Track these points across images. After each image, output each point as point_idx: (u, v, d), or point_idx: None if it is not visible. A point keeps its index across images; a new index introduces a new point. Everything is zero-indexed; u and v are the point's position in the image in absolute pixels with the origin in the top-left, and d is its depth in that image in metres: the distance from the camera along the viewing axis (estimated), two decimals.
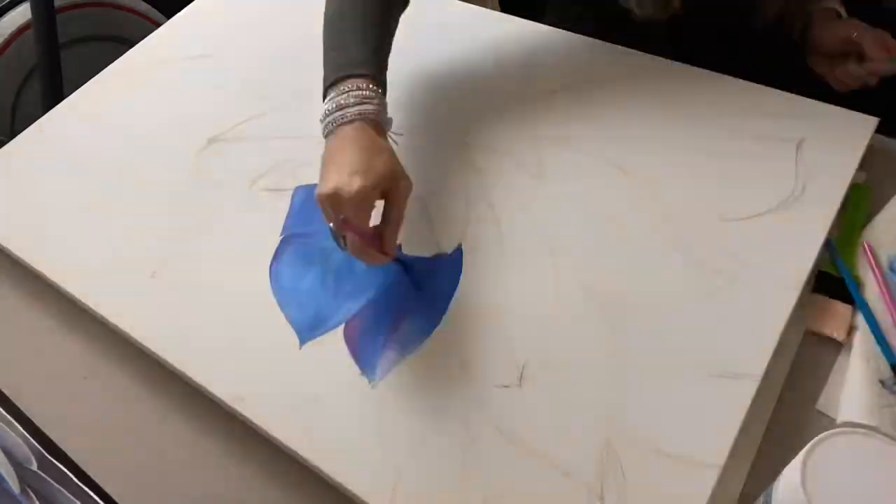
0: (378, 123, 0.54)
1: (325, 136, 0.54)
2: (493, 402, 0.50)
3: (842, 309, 0.52)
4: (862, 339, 0.50)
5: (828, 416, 0.48)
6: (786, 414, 0.49)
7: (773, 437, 0.48)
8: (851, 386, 0.48)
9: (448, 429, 0.49)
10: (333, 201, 0.49)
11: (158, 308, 0.59)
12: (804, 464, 0.34)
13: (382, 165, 0.51)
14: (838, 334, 0.51)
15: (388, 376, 0.52)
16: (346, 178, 0.49)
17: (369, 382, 0.52)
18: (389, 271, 0.58)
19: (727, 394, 0.47)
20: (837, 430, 0.35)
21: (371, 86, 0.54)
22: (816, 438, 0.35)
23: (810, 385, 0.50)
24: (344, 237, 0.51)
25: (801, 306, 0.52)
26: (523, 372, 0.51)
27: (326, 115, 0.53)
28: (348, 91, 0.53)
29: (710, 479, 0.44)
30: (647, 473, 0.45)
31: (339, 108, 0.53)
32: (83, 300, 0.61)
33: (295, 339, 0.55)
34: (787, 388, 0.50)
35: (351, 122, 0.52)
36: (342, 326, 0.56)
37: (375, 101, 0.54)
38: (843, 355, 0.50)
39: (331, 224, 0.52)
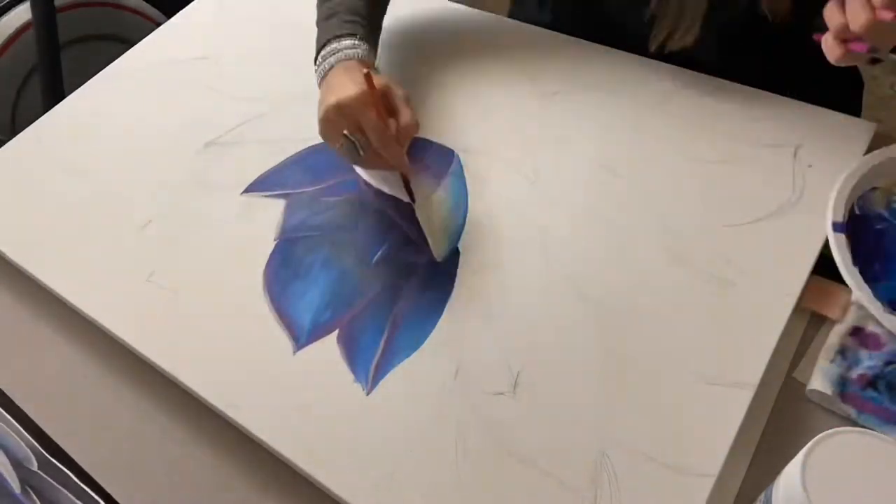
0: (365, 62, 0.60)
1: (320, 85, 0.60)
2: (487, 409, 0.50)
3: (840, 291, 0.52)
4: (849, 316, 0.51)
5: (799, 382, 0.50)
6: (785, 411, 0.49)
7: (772, 435, 0.48)
8: (823, 358, 0.50)
9: (441, 436, 0.49)
10: (339, 109, 0.55)
11: (153, 313, 0.59)
12: (804, 464, 0.35)
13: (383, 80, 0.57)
14: (836, 315, 0.52)
15: (382, 383, 0.52)
16: (344, 91, 0.55)
17: (363, 389, 0.52)
18: (383, 278, 0.58)
19: (723, 402, 0.47)
20: (838, 430, 0.35)
21: (357, 40, 0.61)
22: (816, 438, 0.35)
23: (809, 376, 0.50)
24: (358, 143, 0.55)
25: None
26: (518, 379, 0.51)
27: (319, 63, 0.61)
28: (339, 48, 0.60)
29: (704, 489, 0.44)
30: (641, 482, 0.45)
31: (332, 53, 0.60)
32: (77, 305, 0.61)
33: (289, 346, 0.55)
34: (785, 385, 0.50)
35: (339, 62, 0.59)
36: (336, 333, 0.56)
37: (363, 47, 0.61)
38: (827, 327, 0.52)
39: (341, 138, 0.55)
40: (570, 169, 0.62)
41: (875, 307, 0.49)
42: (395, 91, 0.57)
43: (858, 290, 0.49)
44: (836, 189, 0.54)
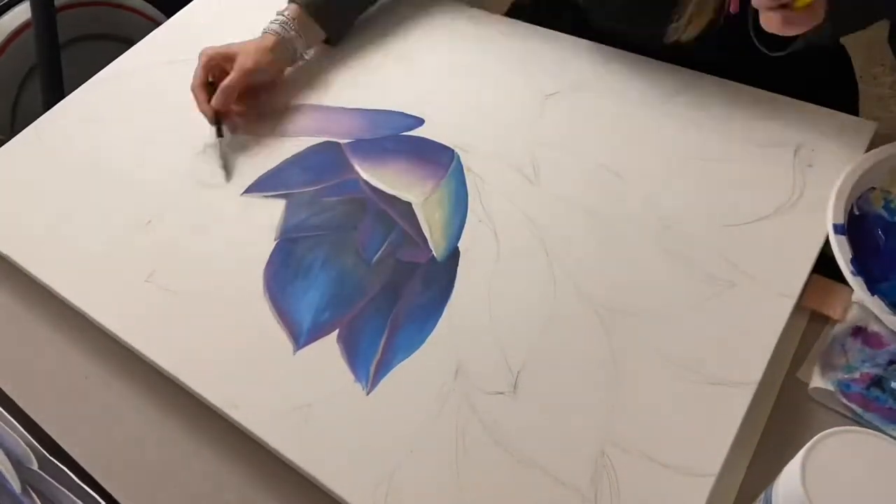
0: (278, 35, 0.71)
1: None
2: (487, 409, 0.50)
3: (841, 290, 0.52)
4: (850, 315, 0.51)
5: (801, 381, 0.50)
6: (786, 410, 0.49)
7: (772, 435, 0.48)
8: (825, 356, 0.50)
9: (442, 436, 0.49)
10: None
11: (152, 313, 0.59)
12: (804, 464, 0.35)
13: (235, 47, 0.71)
14: (837, 315, 0.52)
15: (382, 383, 0.52)
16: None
17: (363, 389, 0.52)
18: (383, 278, 0.58)
19: (722, 402, 0.47)
20: (837, 429, 0.35)
21: (291, 15, 0.72)
22: (816, 438, 0.35)
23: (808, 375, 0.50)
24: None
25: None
26: (518, 379, 0.51)
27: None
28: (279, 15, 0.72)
29: (704, 489, 0.44)
30: (641, 482, 0.45)
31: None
32: (77, 304, 0.61)
33: (289, 346, 0.55)
34: (786, 384, 0.50)
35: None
36: (336, 333, 0.56)
37: (285, 24, 0.72)
38: (828, 327, 0.52)
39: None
40: (570, 169, 0.62)
41: (879, 309, 0.49)
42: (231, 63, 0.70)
43: (862, 292, 0.49)
44: (835, 190, 0.54)
